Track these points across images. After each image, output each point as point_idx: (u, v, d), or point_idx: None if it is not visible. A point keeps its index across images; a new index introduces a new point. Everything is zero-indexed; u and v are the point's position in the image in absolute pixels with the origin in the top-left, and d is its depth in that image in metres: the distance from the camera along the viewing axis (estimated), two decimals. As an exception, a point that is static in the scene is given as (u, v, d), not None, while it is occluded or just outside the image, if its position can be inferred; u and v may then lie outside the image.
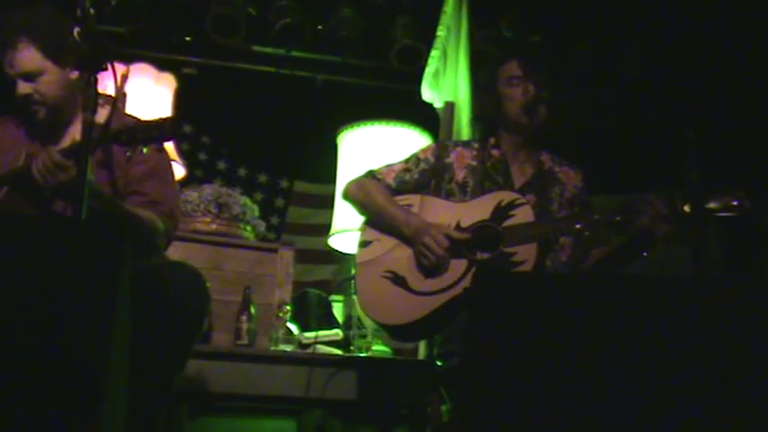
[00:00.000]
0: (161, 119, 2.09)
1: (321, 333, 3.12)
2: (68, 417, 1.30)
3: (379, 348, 3.19)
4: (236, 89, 4.90)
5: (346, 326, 3.21)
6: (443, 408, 2.69)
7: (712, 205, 2.19)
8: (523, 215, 2.40)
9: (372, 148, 3.43)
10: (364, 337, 3.12)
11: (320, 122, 4.18)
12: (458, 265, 2.40)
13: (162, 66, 3.81)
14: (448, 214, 2.50)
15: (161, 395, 2.12)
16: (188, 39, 4.65)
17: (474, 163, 2.64)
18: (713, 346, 1.48)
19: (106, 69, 1.97)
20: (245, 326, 2.98)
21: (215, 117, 4.97)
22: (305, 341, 3.12)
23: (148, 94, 3.60)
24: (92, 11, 1.97)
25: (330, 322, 3.34)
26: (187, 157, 4.46)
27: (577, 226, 2.36)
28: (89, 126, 1.92)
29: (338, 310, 3.46)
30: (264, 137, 5.17)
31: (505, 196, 2.46)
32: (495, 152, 2.64)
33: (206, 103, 4.74)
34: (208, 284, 2.19)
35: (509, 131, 2.64)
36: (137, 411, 1.83)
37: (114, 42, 4.28)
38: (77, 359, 1.33)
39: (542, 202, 2.56)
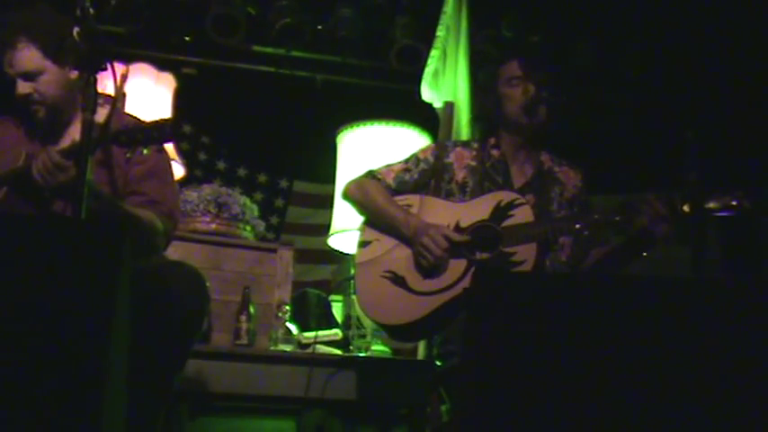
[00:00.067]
0: (161, 120, 2.10)
1: (320, 333, 3.12)
2: (68, 416, 1.30)
3: (379, 348, 3.19)
4: (235, 89, 4.90)
5: (346, 326, 3.21)
6: (443, 408, 2.69)
7: (712, 205, 2.19)
8: (523, 215, 2.40)
9: (372, 148, 3.43)
10: (364, 337, 3.11)
11: (320, 122, 4.17)
12: (457, 266, 2.40)
13: (162, 66, 3.81)
14: (447, 214, 2.50)
15: (161, 395, 2.12)
16: (188, 39, 4.65)
17: (473, 163, 2.64)
18: (713, 346, 1.48)
19: (106, 69, 1.97)
20: (244, 326, 2.98)
21: (215, 117, 4.97)
22: (304, 341, 3.12)
23: (148, 93, 3.60)
24: (91, 11, 1.97)
25: (329, 322, 3.34)
26: (187, 157, 4.46)
27: (577, 226, 2.36)
28: (89, 126, 1.92)
29: (338, 310, 3.46)
30: (264, 137, 5.17)
31: (505, 196, 2.46)
32: (494, 152, 2.64)
33: (206, 103, 4.75)
34: (207, 284, 2.19)
35: (509, 131, 2.64)
36: (136, 411, 1.82)
37: (114, 42, 4.28)
38: (77, 359, 1.33)
39: (542, 202, 2.56)
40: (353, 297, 2.92)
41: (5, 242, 1.39)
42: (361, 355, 3.05)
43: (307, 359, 2.92)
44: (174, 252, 2.72)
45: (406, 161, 2.68)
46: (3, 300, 1.34)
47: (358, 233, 2.64)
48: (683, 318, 1.49)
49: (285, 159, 5.32)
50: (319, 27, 4.75)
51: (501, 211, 2.42)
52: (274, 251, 3.28)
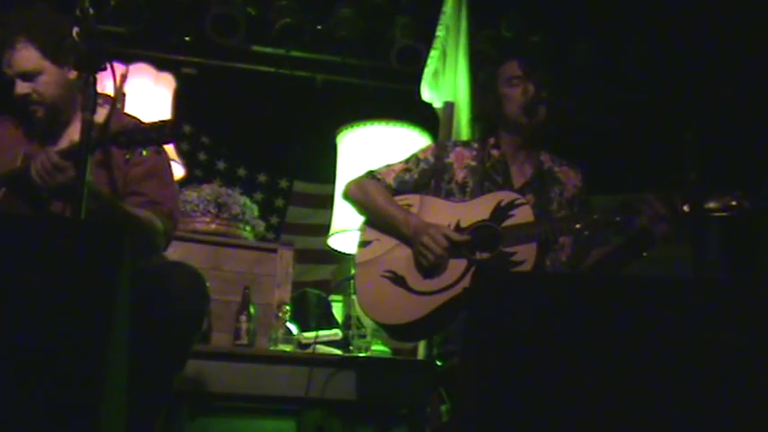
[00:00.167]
0: (160, 121, 2.09)
1: (320, 333, 3.12)
2: (68, 417, 1.30)
3: (379, 348, 3.19)
4: (235, 89, 4.90)
5: (346, 326, 3.20)
6: (443, 408, 2.69)
7: (711, 205, 2.19)
8: (523, 215, 2.40)
9: (372, 148, 3.43)
10: (364, 336, 3.11)
11: (320, 122, 4.18)
12: (457, 265, 2.40)
13: (161, 66, 3.81)
14: (448, 214, 2.50)
15: (161, 395, 2.12)
16: (187, 39, 4.65)
17: (473, 163, 2.64)
18: (713, 346, 1.48)
19: (105, 69, 1.96)
20: (244, 326, 2.98)
21: (215, 117, 4.97)
22: (304, 341, 3.12)
23: (148, 94, 3.60)
24: (91, 11, 1.96)
25: (329, 322, 3.34)
26: (186, 157, 4.46)
27: (577, 226, 2.36)
28: (88, 126, 1.91)
29: (338, 310, 3.46)
30: (264, 137, 5.17)
31: (505, 196, 2.46)
32: (494, 152, 2.64)
33: (205, 103, 4.75)
34: (207, 284, 2.19)
35: (509, 131, 2.64)
36: (136, 411, 1.82)
37: (114, 42, 4.28)
38: (77, 359, 1.33)
39: (542, 202, 2.56)
40: (353, 297, 2.92)
41: (5, 242, 1.39)
42: (361, 355, 3.05)
43: (307, 359, 2.92)
44: (174, 252, 2.72)
45: (406, 161, 2.68)
46: (2, 300, 1.34)
47: (358, 233, 2.64)
48: (682, 318, 1.49)
49: (285, 159, 5.31)
50: (319, 27, 4.75)
51: (501, 211, 2.42)
52: (274, 251, 3.28)
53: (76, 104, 2.32)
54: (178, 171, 3.52)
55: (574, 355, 1.46)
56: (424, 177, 2.65)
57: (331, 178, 3.62)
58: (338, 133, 3.60)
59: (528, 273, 2.24)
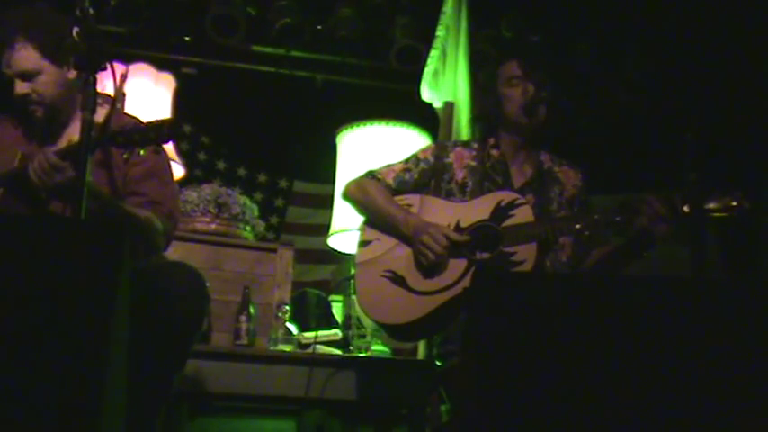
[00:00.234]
0: (159, 121, 2.09)
1: (320, 333, 3.12)
2: (68, 417, 1.30)
3: (379, 348, 3.19)
4: (235, 89, 4.90)
5: (345, 326, 3.20)
6: (443, 408, 2.69)
7: (711, 205, 2.19)
8: (523, 215, 2.40)
9: (372, 148, 3.43)
10: (363, 336, 3.11)
11: (320, 122, 4.18)
12: (457, 265, 2.40)
13: (161, 66, 3.81)
14: (447, 214, 2.50)
15: (160, 395, 2.12)
16: (187, 39, 4.65)
17: (473, 163, 2.64)
18: (713, 345, 1.48)
19: (105, 69, 1.96)
20: (244, 326, 2.98)
21: (214, 117, 4.97)
22: (304, 341, 3.12)
23: (148, 94, 3.60)
24: (91, 11, 1.96)
25: (329, 322, 3.34)
26: (186, 157, 4.46)
27: (577, 226, 2.36)
28: (88, 126, 1.91)
29: (337, 310, 3.46)
30: (264, 137, 5.17)
31: (505, 196, 2.46)
32: (494, 152, 2.64)
33: (205, 103, 4.74)
34: (207, 284, 2.19)
35: (509, 132, 2.64)
36: (136, 411, 1.82)
37: (114, 42, 4.28)
38: (76, 359, 1.33)
39: (542, 202, 2.56)
40: (353, 297, 2.92)
41: (5, 242, 1.39)
42: (361, 355, 3.05)
43: (307, 359, 2.92)
44: (174, 252, 2.72)
45: (406, 161, 2.68)
46: (2, 300, 1.34)
47: (358, 233, 2.64)
48: (682, 318, 1.49)
49: (285, 159, 5.31)
50: (319, 27, 4.75)
51: (501, 211, 2.42)
52: (274, 251, 3.28)
53: (76, 104, 2.32)
54: (178, 171, 3.52)
55: (573, 354, 1.47)
56: (423, 177, 2.65)
57: (331, 178, 3.62)
58: (338, 133, 3.60)
59: (528, 273, 2.24)
